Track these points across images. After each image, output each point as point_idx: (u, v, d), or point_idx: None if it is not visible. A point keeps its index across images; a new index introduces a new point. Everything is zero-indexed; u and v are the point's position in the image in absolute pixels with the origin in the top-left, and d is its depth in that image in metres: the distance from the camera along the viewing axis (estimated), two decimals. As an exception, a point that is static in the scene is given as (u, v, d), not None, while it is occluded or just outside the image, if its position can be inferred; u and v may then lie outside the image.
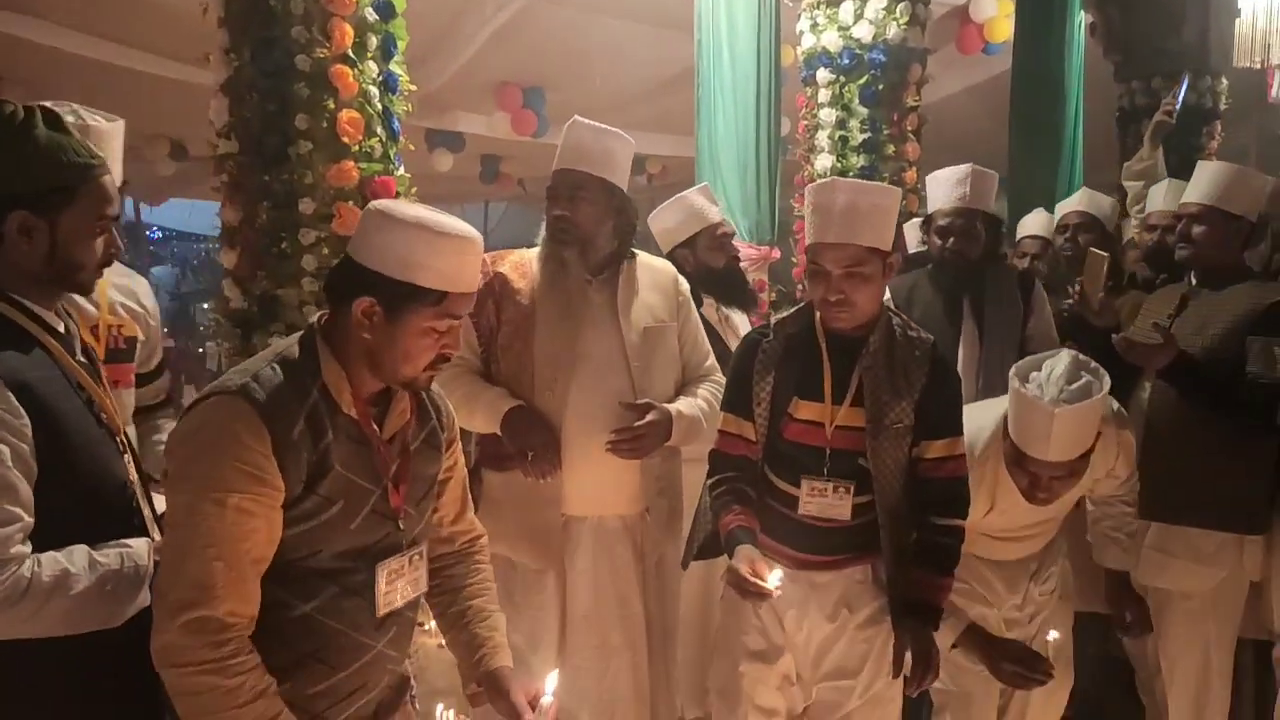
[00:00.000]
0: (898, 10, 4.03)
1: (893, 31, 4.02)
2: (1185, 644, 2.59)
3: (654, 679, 2.30)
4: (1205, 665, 2.57)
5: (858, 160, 3.97)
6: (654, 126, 6.37)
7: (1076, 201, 3.37)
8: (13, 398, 1.34)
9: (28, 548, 1.34)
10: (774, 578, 1.85)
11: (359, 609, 1.46)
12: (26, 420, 1.35)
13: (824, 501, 1.98)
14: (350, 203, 2.70)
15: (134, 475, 1.58)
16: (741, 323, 2.94)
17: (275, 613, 1.38)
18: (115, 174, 1.69)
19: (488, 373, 2.24)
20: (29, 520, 1.35)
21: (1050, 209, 3.51)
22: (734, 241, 3.06)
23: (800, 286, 3.67)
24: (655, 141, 6.83)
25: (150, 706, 1.48)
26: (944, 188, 2.80)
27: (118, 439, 1.55)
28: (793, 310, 2.12)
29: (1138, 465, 2.42)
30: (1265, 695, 2.61)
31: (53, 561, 1.35)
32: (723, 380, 2.28)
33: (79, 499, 1.43)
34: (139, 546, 1.46)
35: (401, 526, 1.51)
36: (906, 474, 1.99)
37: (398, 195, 2.82)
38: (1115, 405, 2.25)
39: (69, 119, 1.60)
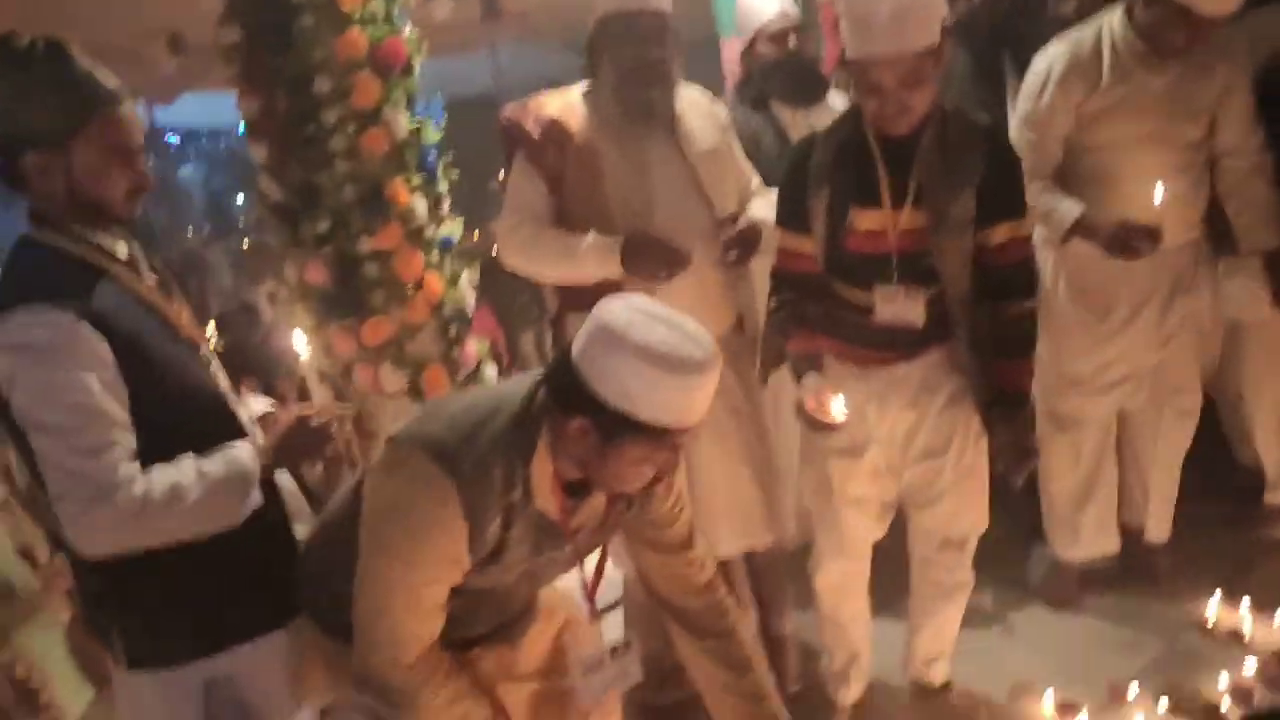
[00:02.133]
0: None
1: None
2: (1264, 369, 2.63)
3: (769, 467, 2.40)
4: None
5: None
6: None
7: None
8: (88, 328, 1.40)
9: (135, 466, 1.42)
10: (837, 407, 1.88)
11: (499, 604, 1.59)
12: (107, 347, 1.41)
13: (896, 307, 1.97)
14: (366, 70, 2.63)
15: (224, 383, 1.66)
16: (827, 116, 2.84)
17: None
18: None
19: (555, 218, 2.23)
20: (130, 442, 1.43)
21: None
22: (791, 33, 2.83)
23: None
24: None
25: (281, 596, 1.62)
26: None
27: (200, 351, 1.61)
28: (838, 118, 2.03)
29: None
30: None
31: (163, 476, 1.43)
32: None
33: (174, 412, 1.50)
34: (242, 449, 1.53)
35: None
36: (972, 262, 1.96)
37: (409, 57, 2.73)
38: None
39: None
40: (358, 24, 2.62)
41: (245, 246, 8.97)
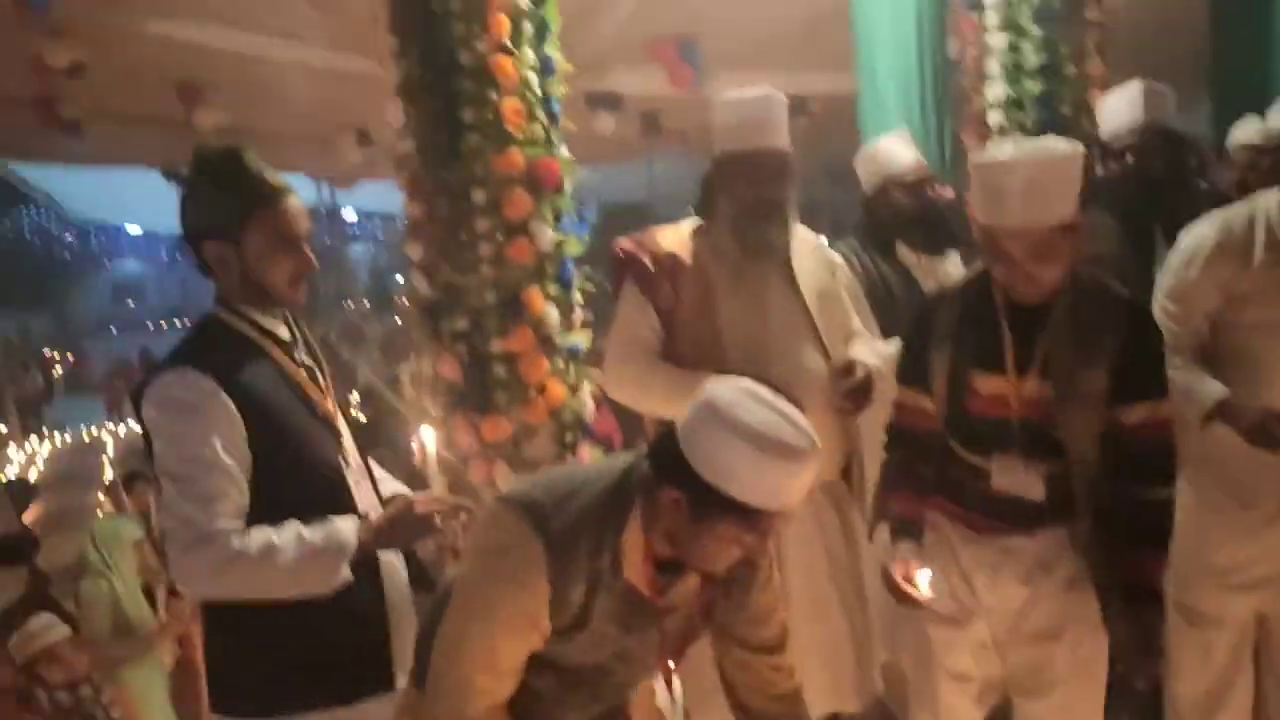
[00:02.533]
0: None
1: (1065, -64, 3.68)
2: None
3: (864, 624, 2.32)
4: None
5: (1034, 86, 3.68)
6: (811, 65, 6.17)
7: None
8: (224, 396, 1.56)
9: (238, 523, 1.55)
10: (924, 581, 1.81)
11: (572, 697, 1.54)
12: (238, 415, 1.57)
13: (1015, 479, 1.90)
14: (519, 189, 2.82)
15: (353, 460, 1.77)
16: (952, 267, 2.81)
17: None
18: None
19: (664, 352, 2.27)
20: (240, 499, 1.56)
21: (1262, 113, 3.15)
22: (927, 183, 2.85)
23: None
24: (813, 80, 6.60)
25: (378, 668, 1.69)
26: (1116, 111, 2.60)
27: (333, 428, 1.74)
28: (968, 276, 2.00)
29: None
30: None
31: (262, 534, 1.55)
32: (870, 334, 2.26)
33: (293, 482, 1.63)
34: (344, 524, 1.63)
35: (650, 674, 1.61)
36: (1104, 439, 1.86)
37: (561, 177, 2.91)
38: None
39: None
40: (518, 144, 2.82)
41: (397, 324, 9.50)
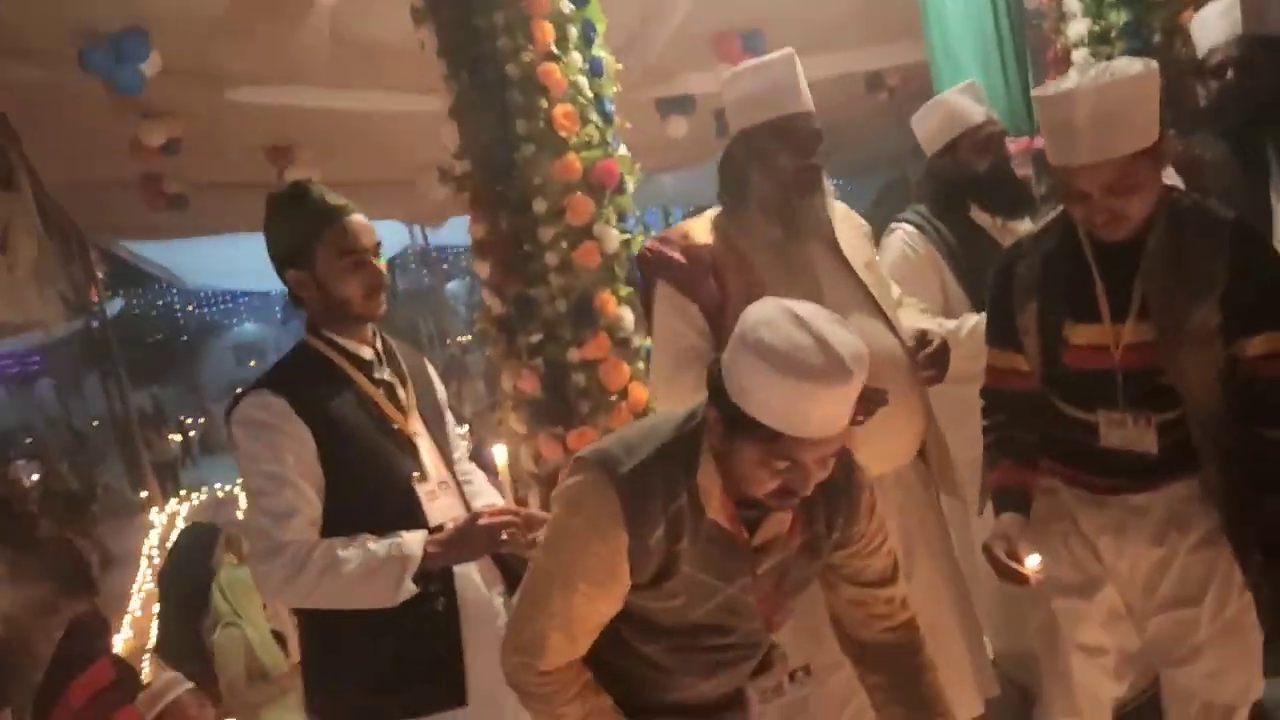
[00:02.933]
0: None
1: None
2: None
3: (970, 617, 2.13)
4: None
5: (1120, 16, 3.41)
6: (879, 37, 5.98)
7: None
8: (296, 416, 1.64)
9: (309, 535, 1.62)
10: (1032, 563, 1.67)
11: (689, 664, 1.48)
12: (309, 433, 1.64)
13: (1124, 433, 1.73)
14: (579, 193, 2.78)
15: (433, 473, 1.79)
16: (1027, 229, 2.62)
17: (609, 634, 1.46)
18: None
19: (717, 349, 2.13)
20: (309, 513, 1.63)
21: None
22: (1000, 139, 2.66)
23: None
24: (887, 53, 6.40)
25: (454, 683, 1.69)
26: (1209, 26, 2.37)
27: (408, 444, 1.77)
28: (1047, 220, 1.85)
29: None
30: None
31: (327, 547, 1.61)
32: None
33: (362, 495, 1.68)
34: (411, 537, 1.66)
35: (766, 631, 1.51)
36: (1224, 378, 1.68)
37: (621, 177, 2.85)
38: None
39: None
40: (573, 150, 2.79)
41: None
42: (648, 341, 2.88)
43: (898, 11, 4.44)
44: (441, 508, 1.78)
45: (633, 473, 1.35)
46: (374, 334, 1.83)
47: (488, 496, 1.96)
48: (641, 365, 2.85)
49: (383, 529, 1.66)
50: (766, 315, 1.28)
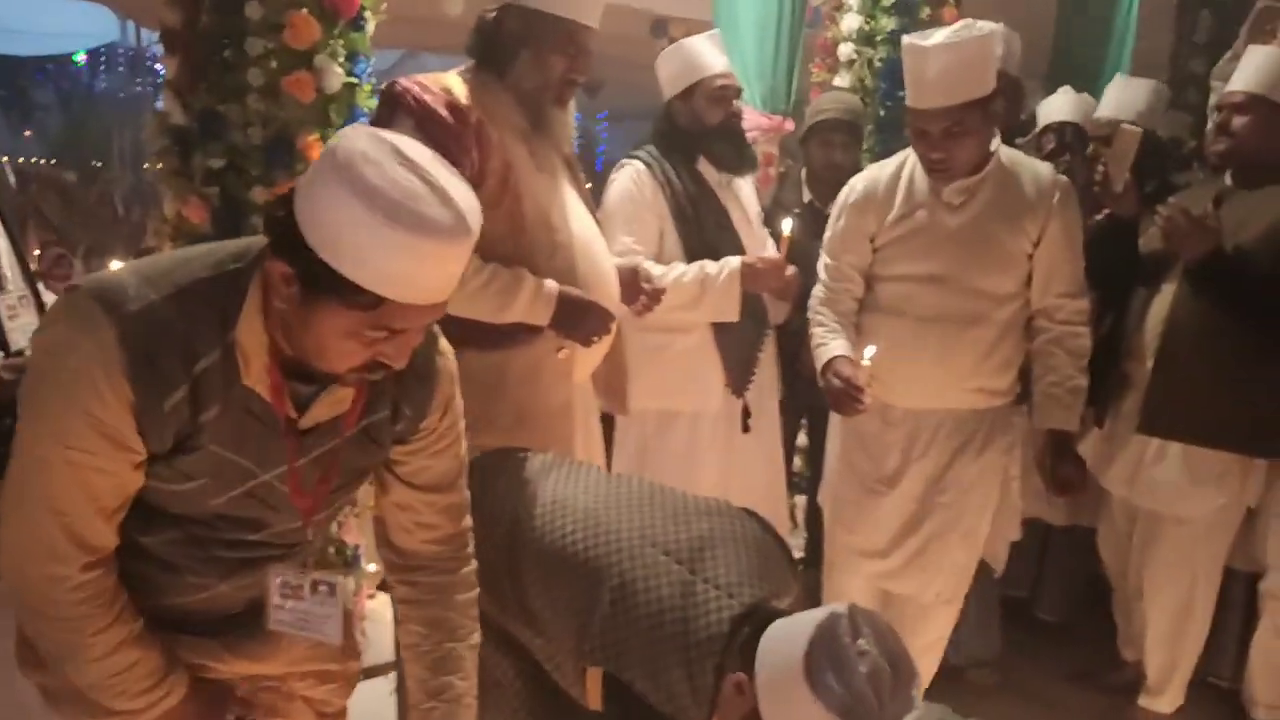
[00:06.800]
0: None
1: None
2: (1172, 570, 2.43)
3: None
4: (1190, 594, 2.42)
5: (888, 23, 3.56)
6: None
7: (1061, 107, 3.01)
8: None
9: None
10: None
11: (204, 561, 1.23)
12: None
13: None
14: (304, 10, 2.38)
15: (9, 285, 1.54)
16: (746, 189, 2.63)
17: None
18: None
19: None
20: None
21: (1095, 92, 3.14)
22: (745, 109, 2.72)
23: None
24: (679, 3, 6.35)
25: None
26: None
27: None
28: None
29: (1152, 375, 2.31)
30: (1250, 630, 2.46)
31: None
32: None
33: None
34: None
35: (304, 530, 1.26)
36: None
37: (361, 9, 2.49)
38: (1064, 179, 2.21)
39: None
40: (311, -46, 2.38)
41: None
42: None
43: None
44: (22, 326, 1.54)
45: (142, 314, 1.06)
46: None
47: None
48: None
49: None
50: (365, 148, 1.02)
